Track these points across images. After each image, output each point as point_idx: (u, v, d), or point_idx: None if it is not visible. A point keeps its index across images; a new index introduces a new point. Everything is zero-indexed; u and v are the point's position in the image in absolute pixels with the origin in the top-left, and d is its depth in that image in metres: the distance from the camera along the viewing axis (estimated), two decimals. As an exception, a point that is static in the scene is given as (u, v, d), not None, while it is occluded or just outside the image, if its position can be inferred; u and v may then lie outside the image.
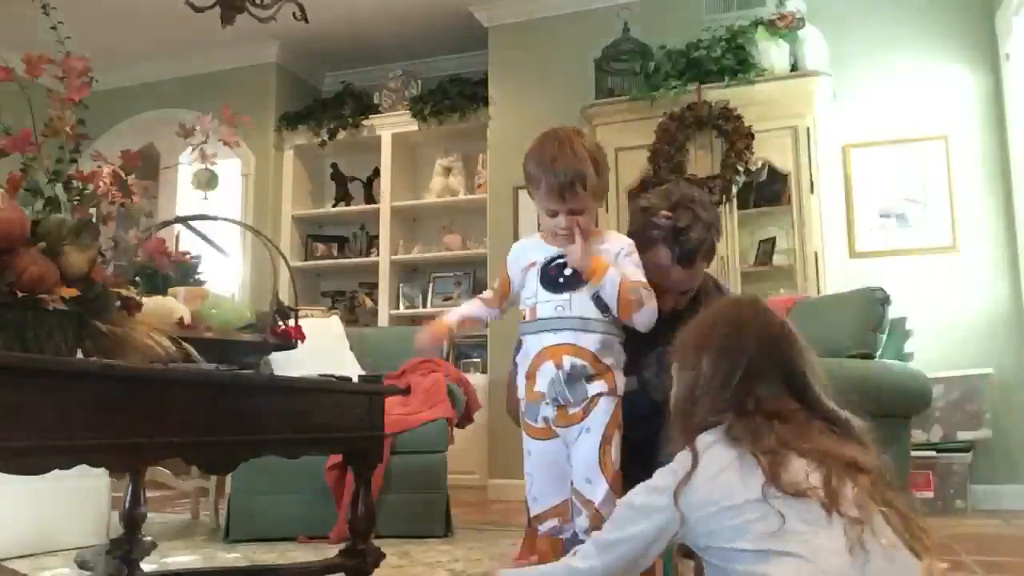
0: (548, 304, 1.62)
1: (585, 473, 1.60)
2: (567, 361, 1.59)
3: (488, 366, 4.99)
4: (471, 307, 1.82)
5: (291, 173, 5.77)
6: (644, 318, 1.61)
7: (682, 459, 1.26)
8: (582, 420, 1.60)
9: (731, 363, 1.29)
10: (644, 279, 1.65)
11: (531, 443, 1.67)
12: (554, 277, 1.63)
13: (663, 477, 1.26)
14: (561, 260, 1.64)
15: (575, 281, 1.62)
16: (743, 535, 1.15)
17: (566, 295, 1.61)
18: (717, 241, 1.90)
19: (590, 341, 1.59)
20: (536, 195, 1.68)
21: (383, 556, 2.01)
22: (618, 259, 1.66)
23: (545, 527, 1.71)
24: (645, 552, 1.27)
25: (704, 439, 1.26)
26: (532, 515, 1.75)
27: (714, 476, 1.21)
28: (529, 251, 1.72)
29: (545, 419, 1.63)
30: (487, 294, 1.82)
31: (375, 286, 5.57)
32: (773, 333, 1.32)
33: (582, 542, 1.40)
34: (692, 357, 1.34)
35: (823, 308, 3.13)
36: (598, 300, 1.60)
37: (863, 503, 1.13)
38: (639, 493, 1.29)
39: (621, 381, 1.63)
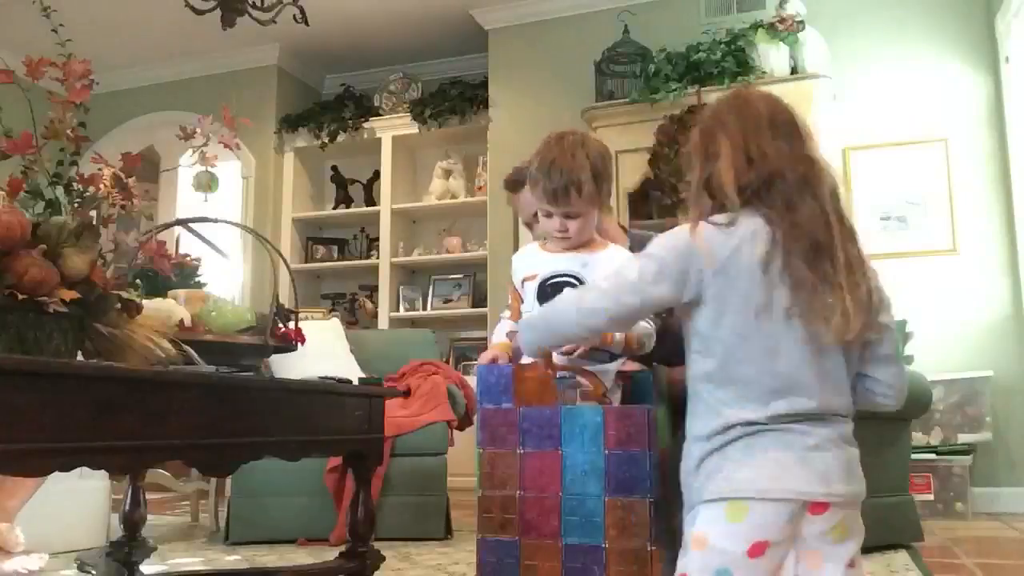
0: None
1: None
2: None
3: (488, 368, 4.98)
4: (506, 325, 1.75)
5: (291, 175, 5.77)
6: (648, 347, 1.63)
7: None
8: None
9: (749, 125, 1.30)
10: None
11: None
12: (551, 296, 1.61)
13: None
14: (559, 279, 1.62)
15: None
16: None
17: None
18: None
19: (579, 360, 1.59)
20: (535, 195, 1.68)
21: (383, 559, 2.01)
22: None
23: None
24: None
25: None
26: None
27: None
28: (528, 261, 1.70)
29: None
30: (508, 313, 1.77)
31: (375, 288, 5.57)
32: (774, 106, 1.32)
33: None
34: (704, 144, 1.35)
35: (823, 310, 3.12)
36: None
37: None
38: None
39: (615, 392, 1.61)
